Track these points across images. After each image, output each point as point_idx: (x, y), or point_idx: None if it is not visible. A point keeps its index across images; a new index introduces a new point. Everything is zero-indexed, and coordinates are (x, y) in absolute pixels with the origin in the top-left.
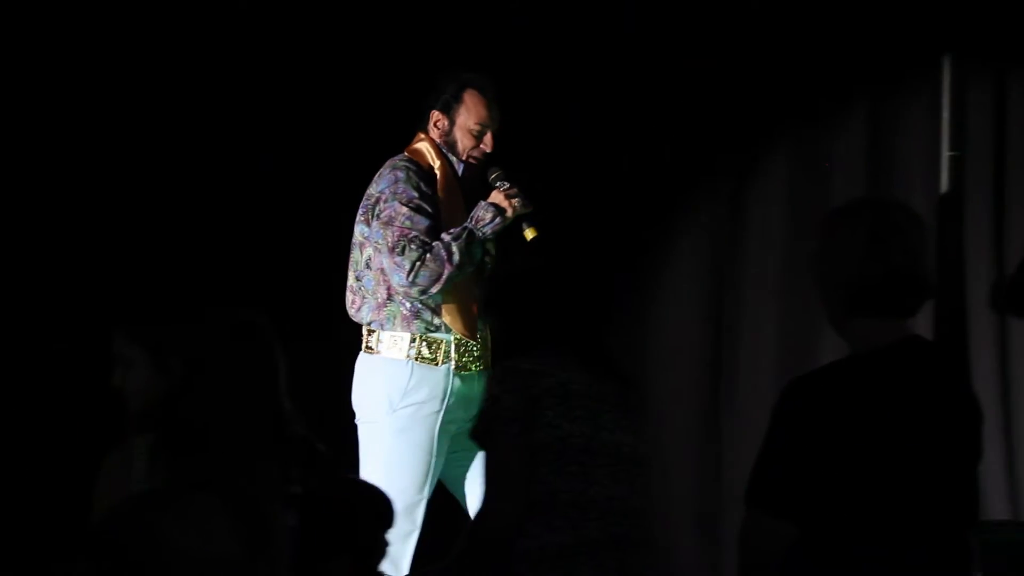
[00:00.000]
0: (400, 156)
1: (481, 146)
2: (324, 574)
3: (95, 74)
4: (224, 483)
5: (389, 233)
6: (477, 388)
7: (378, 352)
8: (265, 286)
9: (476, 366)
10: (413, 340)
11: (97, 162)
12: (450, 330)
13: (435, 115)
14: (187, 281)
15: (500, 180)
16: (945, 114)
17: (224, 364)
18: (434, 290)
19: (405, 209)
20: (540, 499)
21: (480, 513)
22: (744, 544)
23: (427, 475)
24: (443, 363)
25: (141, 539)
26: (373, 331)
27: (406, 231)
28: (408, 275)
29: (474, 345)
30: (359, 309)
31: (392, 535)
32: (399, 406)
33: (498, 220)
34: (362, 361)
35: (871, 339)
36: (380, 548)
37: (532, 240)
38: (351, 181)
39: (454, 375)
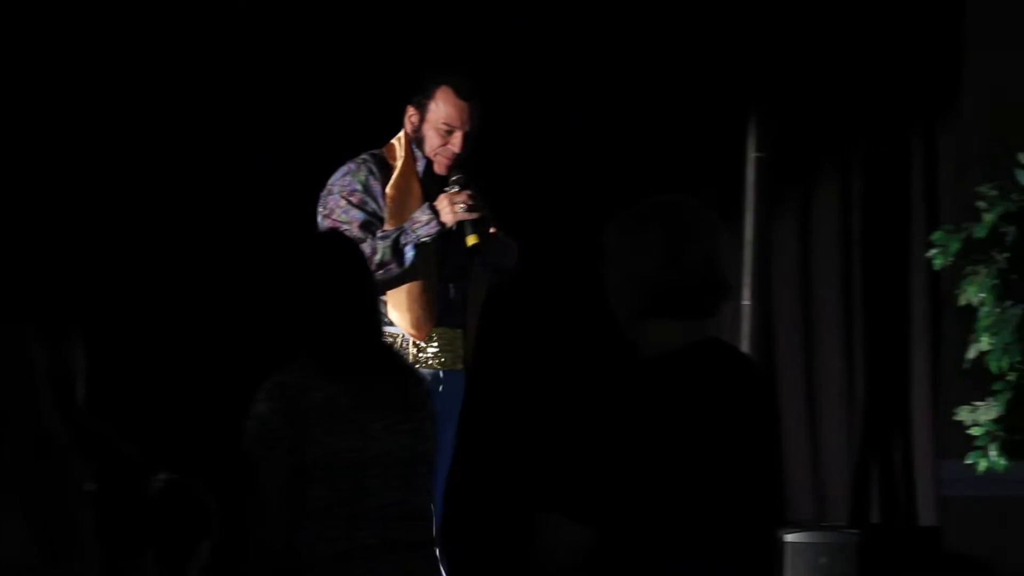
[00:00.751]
0: (370, 151)
1: (448, 145)
2: (123, 571)
3: (85, 75)
4: (21, 485)
5: (325, 225)
6: (444, 385)
7: None
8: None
9: (438, 361)
10: None
11: (82, 163)
12: None
13: (409, 110)
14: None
15: (455, 184)
16: (753, 115)
17: (22, 359)
18: None
19: (343, 203)
20: (311, 512)
21: (247, 535)
22: (539, 547)
23: None
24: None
25: None
26: None
27: (338, 224)
28: None
29: (436, 339)
30: None
31: None
32: None
33: (433, 223)
34: None
35: (667, 341)
36: (197, 555)
37: (472, 247)
38: None
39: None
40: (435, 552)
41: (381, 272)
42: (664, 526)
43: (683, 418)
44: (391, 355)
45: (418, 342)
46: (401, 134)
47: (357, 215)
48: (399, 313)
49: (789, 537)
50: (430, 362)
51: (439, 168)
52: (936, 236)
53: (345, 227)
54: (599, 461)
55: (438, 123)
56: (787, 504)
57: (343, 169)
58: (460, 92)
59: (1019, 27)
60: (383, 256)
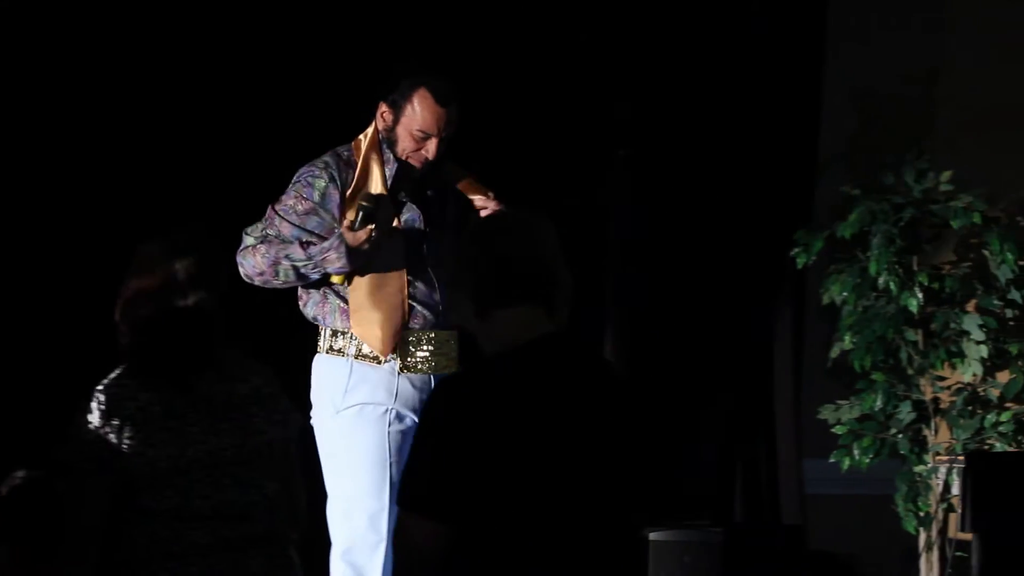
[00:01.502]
0: (336, 150)
1: (422, 151)
2: None
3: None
4: None
5: (268, 210)
6: (429, 390)
7: (322, 350)
8: None
9: (426, 366)
10: (354, 336)
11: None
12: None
13: (382, 107)
14: None
15: (367, 217)
16: (616, 114)
17: None
18: (256, 281)
19: (292, 202)
20: (140, 516)
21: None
22: (399, 546)
23: (385, 480)
24: (386, 361)
25: None
26: (318, 328)
27: (271, 216)
28: (239, 251)
29: (428, 343)
30: (305, 305)
31: (358, 547)
32: (341, 407)
33: (346, 266)
34: (314, 360)
35: (507, 337)
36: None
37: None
38: None
39: (400, 375)
40: (282, 548)
41: (280, 283)
42: (516, 524)
43: (532, 412)
44: (216, 353)
45: (411, 340)
46: (370, 130)
47: (287, 226)
48: (365, 327)
49: (653, 536)
50: (419, 366)
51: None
52: (799, 235)
53: (276, 220)
54: (455, 460)
55: (413, 128)
56: (655, 501)
57: (307, 170)
58: (439, 97)
59: (881, 26)
60: (284, 276)
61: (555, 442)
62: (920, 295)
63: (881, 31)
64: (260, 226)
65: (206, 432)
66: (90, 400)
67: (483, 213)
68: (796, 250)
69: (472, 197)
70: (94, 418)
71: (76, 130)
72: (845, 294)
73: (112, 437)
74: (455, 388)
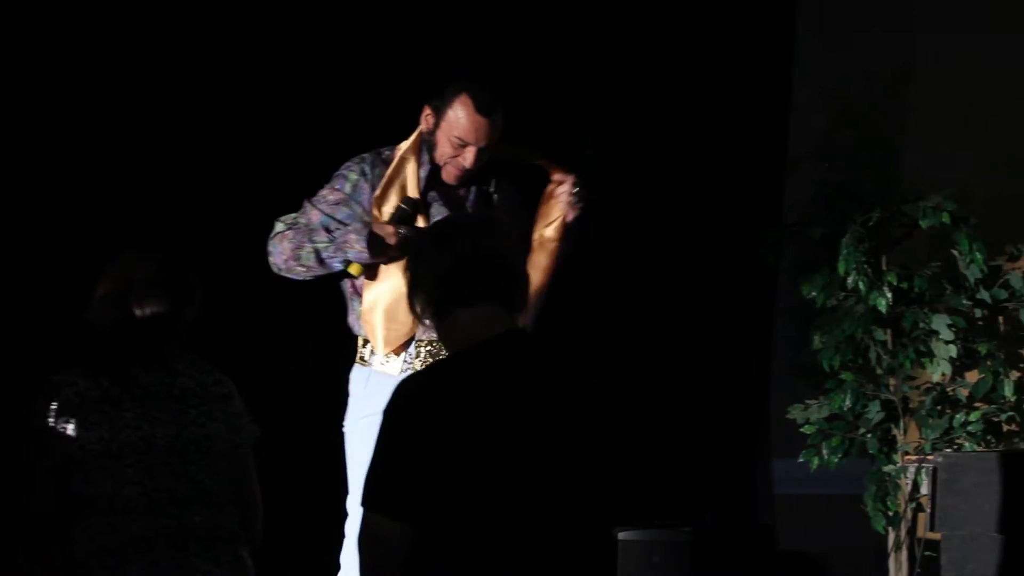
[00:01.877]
0: (379, 149)
1: (460, 159)
2: None
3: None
4: None
5: (304, 202)
6: None
7: (357, 359)
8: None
9: None
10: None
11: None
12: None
13: (426, 110)
14: None
15: (404, 218)
16: (583, 113)
17: None
18: (281, 271)
19: (325, 192)
20: (77, 507)
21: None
22: (364, 547)
23: None
24: (403, 371)
25: None
26: (353, 334)
27: (305, 205)
28: (270, 238)
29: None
30: (347, 315)
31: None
32: (359, 416)
33: (364, 255)
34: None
35: (467, 335)
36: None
37: (355, 276)
38: None
39: None
40: (231, 548)
41: (303, 269)
42: (479, 522)
43: (493, 410)
44: (164, 352)
45: (432, 349)
46: (415, 134)
47: (317, 213)
48: (371, 324)
49: (622, 535)
50: None
51: (447, 177)
52: (768, 234)
53: (307, 208)
54: (419, 459)
55: (452, 134)
56: (623, 501)
57: (347, 164)
58: (479, 106)
59: (851, 25)
60: (306, 260)
61: (516, 440)
62: (889, 295)
63: (851, 30)
64: (293, 215)
65: (140, 418)
66: (37, 393)
67: (560, 189)
68: (765, 249)
69: (553, 174)
70: (37, 407)
71: (73, 134)
72: (814, 294)
73: (52, 422)
74: (415, 386)
